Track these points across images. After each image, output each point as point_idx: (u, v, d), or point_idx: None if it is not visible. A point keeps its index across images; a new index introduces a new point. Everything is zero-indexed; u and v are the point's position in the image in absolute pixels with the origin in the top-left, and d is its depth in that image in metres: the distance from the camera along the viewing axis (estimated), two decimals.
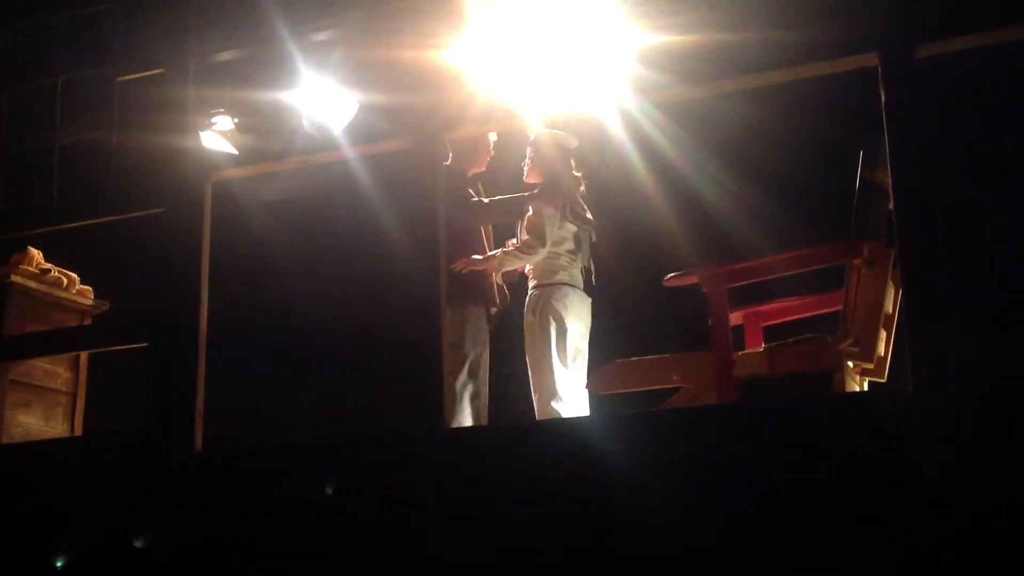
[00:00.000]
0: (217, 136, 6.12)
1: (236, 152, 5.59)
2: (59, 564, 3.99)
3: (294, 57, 4.57)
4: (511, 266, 4.89)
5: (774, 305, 4.63)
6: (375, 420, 4.77)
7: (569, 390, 4.66)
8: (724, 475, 3.40)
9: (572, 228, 4.85)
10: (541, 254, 4.79)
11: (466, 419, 4.58)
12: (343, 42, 4.64)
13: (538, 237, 4.78)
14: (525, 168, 4.98)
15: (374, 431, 4.69)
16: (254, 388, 6.07)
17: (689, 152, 5.39)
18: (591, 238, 4.94)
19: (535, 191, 4.90)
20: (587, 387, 4.62)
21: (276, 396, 6.00)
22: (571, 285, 4.79)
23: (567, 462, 3.56)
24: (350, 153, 4.51)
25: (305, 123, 5.53)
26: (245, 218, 6.11)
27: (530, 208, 4.85)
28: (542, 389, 4.64)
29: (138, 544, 3.90)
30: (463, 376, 4.66)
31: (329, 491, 3.73)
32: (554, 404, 4.62)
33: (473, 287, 4.79)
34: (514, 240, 4.95)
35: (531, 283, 4.86)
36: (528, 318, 4.78)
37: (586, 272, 4.90)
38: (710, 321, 4.13)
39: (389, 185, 4.75)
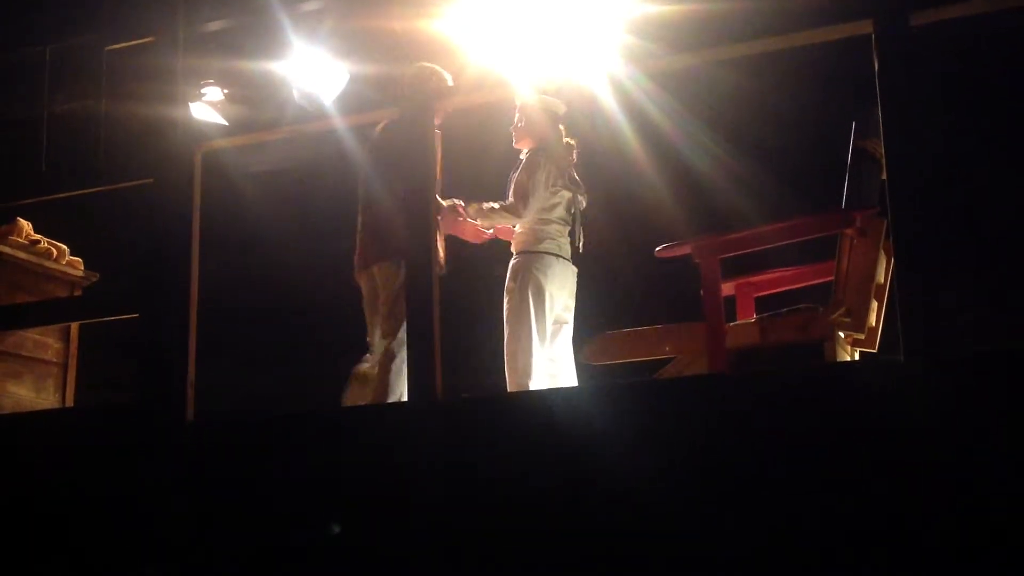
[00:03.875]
0: (207, 107, 6.10)
1: (226, 123, 5.58)
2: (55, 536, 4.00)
3: (284, 27, 4.53)
4: (488, 222, 4.80)
5: (766, 276, 4.63)
6: None
7: (543, 362, 4.63)
8: (715, 445, 3.40)
9: (566, 194, 4.80)
10: (523, 217, 4.72)
11: (403, 387, 4.41)
12: (333, 12, 4.61)
13: (522, 199, 4.71)
14: (514, 134, 4.93)
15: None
16: (243, 359, 6.07)
17: (680, 122, 5.38)
18: (581, 204, 4.90)
19: (523, 156, 4.87)
20: (581, 358, 4.62)
21: (265, 367, 6.00)
22: (556, 255, 4.73)
23: (552, 433, 3.55)
24: (341, 123, 4.47)
25: (295, 93, 5.50)
26: (235, 189, 6.10)
27: (520, 170, 4.81)
28: (516, 359, 4.59)
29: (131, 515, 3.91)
30: (401, 339, 4.45)
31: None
32: (524, 377, 4.59)
33: None
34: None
35: (514, 249, 4.80)
36: (508, 285, 4.70)
37: (575, 239, 4.86)
38: (702, 292, 4.13)
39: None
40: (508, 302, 4.69)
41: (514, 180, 4.77)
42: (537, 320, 4.61)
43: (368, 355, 4.72)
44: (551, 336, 4.67)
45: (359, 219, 4.79)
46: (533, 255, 4.69)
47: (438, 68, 4.72)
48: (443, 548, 3.53)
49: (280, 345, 6.35)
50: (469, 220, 4.82)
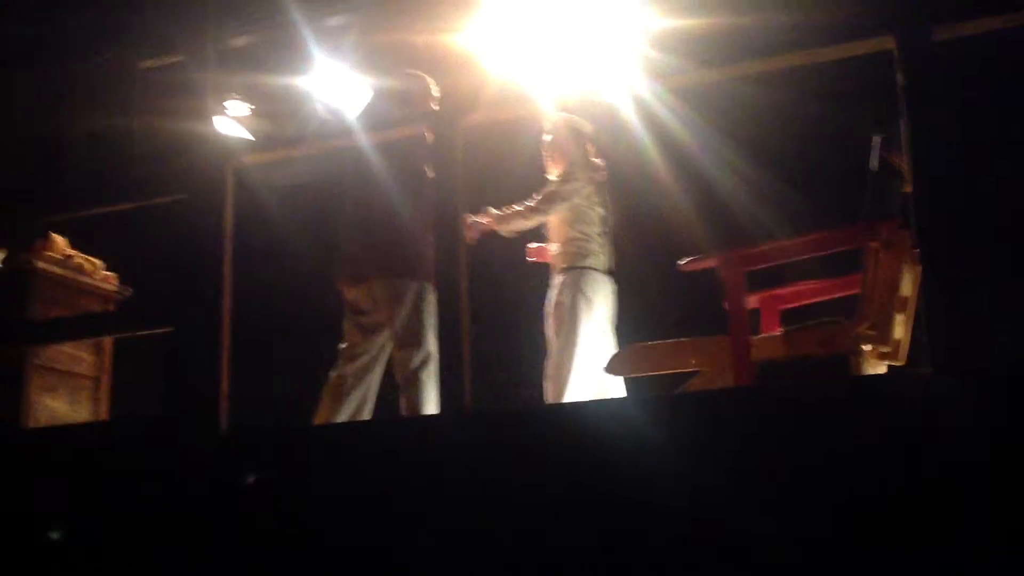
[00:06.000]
0: (231, 121, 6.18)
1: (252, 138, 5.65)
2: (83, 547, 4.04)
3: (308, 42, 4.59)
4: (515, 227, 4.84)
5: (790, 289, 4.66)
6: (394, 404, 4.81)
7: (588, 377, 4.69)
8: (740, 459, 3.43)
9: (600, 211, 4.87)
10: (543, 217, 4.76)
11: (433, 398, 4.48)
12: (357, 26, 4.66)
13: (549, 202, 4.76)
14: (546, 159, 5.00)
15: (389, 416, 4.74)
16: (272, 372, 6.11)
17: (703, 136, 5.42)
18: (609, 222, 4.97)
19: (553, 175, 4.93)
20: (605, 370, 4.66)
21: (294, 380, 6.04)
22: (599, 270, 4.83)
23: (586, 444, 3.59)
24: (365, 138, 4.52)
25: (319, 107, 5.57)
26: (260, 203, 6.15)
27: (555, 180, 4.85)
28: (560, 373, 4.67)
29: (163, 526, 3.95)
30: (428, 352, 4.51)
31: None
32: (567, 390, 4.66)
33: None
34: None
35: (561, 266, 4.86)
36: (557, 299, 4.79)
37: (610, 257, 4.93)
38: (727, 305, 4.16)
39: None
40: (556, 317, 4.76)
41: (544, 188, 4.82)
42: (586, 335, 4.68)
43: (342, 364, 4.72)
44: (595, 348, 4.75)
45: (353, 229, 4.79)
46: (580, 270, 4.77)
47: (421, 74, 4.78)
48: (478, 561, 3.57)
49: (308, 358, 6.40)
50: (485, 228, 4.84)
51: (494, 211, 4.86)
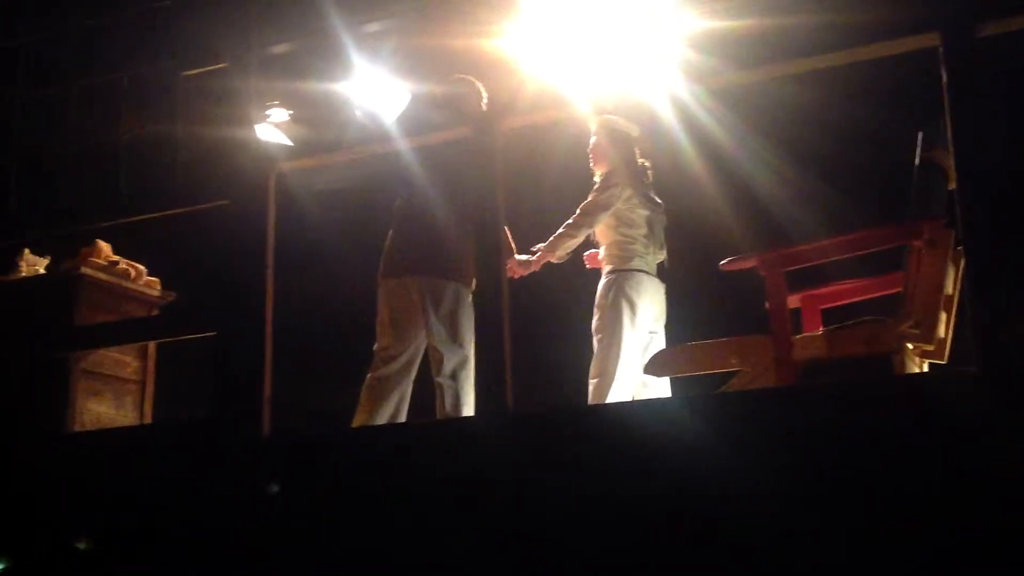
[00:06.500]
0: (271, 128, 6.23)
1: (291, 143, 5.69)
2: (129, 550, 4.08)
3: (347, 48, 4.62)
4: (564, 249, 4.88)
5: (832, 288, 4.63)
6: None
7: (629, 378, 4.70)
8: (784, 459, 3.41)
9: (644, 213, 4.88)
10: (587, 230, 4.79)
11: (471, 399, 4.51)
12: (395, 32, 4.69)
13: (586, 215, 4.79)
14: (590, 157, 5.02)
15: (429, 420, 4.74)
16: (313, 378, 6.15)
17: (742, 137, 5.40)
18: (662, 223, 4.97)
19: (596, 179, 4.94)
20: (644, 371, 4.66)
21: (336, 385, 6.07)
22: (645, 272, 4.84)
23: (629, 445, 3.58)
24: (404, 143, 4.55)
25: (358, 113, 5.60)
26: (299, 209, 6.20)
27: (593, 190, 4.88)
28: (604, 374, 4.68)
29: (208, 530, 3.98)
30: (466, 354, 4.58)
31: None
32: (608, 391, 4.66)
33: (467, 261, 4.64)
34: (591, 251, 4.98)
35: (606, 268, 4.90)
36: (600, 301, 4.82)
37: (658, 257, 4.93)
38: (768, 304, 4.14)
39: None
40: (598, 318, 4.78)
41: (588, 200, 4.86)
42: (627, 336, 4.69)
43: (379, 366, 4.75)
44: (643, 348, 4.75)
45: (396, 230, 4.81)
46: (624, 273, 4.79)
47: (471, 78, 4.80)
48: (518, 562, 3.57)
49: (344, 362, 6.43)
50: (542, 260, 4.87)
51: (540, 245, 4.90)
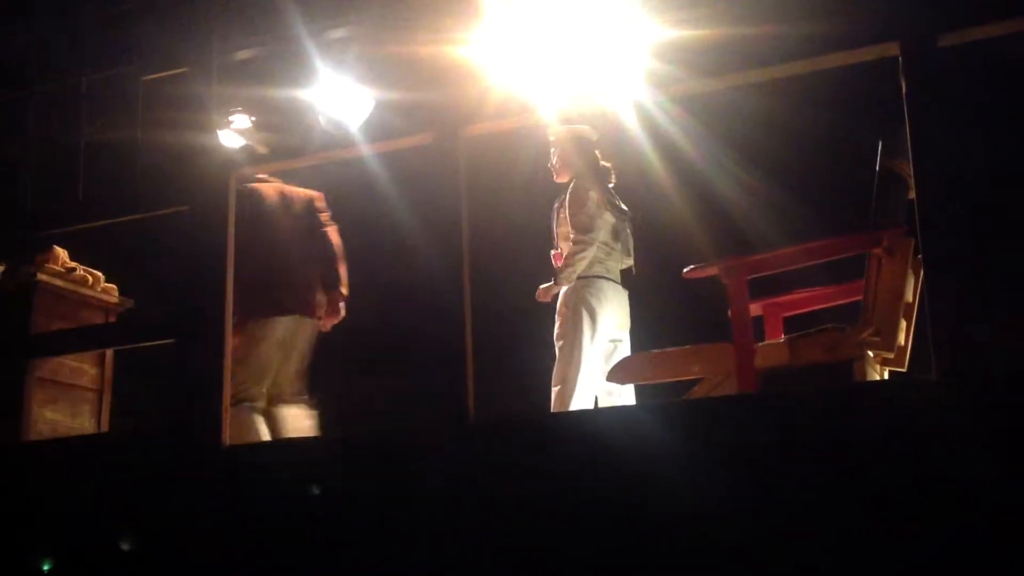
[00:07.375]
0: (234, 134, 6.17)
1: (254, 149, 5.65)
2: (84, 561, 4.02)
3: (311, 54, 4.59)
4: (574, 272, 4.83)
5: (794, 296, 4.66)
6: (407, 415, 4.80)
7: (591, 386, 4.68)
8: (746, 466, 3.42)
9: (610, 219, 4.87)
10: (595, 245, 4.79)
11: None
12: (360, 39, 4.66)
13: (587, 231, 4.79)
14: (554, 170, 5.01)
15: (392, 427, 4.72)
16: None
17: (705, 145, 5.42)
18: (628, 229, 4.96)
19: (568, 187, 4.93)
20: (608, 378, 4.65)
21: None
22: (606, 278, 4.81)
23: (590, 452, 3.58)
24: (368, 150, 4.53)
25: (322, 120, 5.56)
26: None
27: (567, 205, 4.87)
28: (565, 381, 4.66)
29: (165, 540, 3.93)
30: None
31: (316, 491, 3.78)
32: (570, 399, 4.64)
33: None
34: (555, 250, 4.95)
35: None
36: (561, 308, 4.81)
37: (624, 263, 4.92)
38: (730, 312, 4.15)
39: (408, 182, 4.79)
40: (560, 325, 4.76)
41: (567, 218, 4.84)
42: (588, 344, 4.67)
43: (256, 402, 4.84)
44: (606, 356, 4.74)
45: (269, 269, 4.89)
46: (585, 280, 4.77)
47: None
48: (479, 571, 3.55)
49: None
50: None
51: (558, 275, 4.85)
